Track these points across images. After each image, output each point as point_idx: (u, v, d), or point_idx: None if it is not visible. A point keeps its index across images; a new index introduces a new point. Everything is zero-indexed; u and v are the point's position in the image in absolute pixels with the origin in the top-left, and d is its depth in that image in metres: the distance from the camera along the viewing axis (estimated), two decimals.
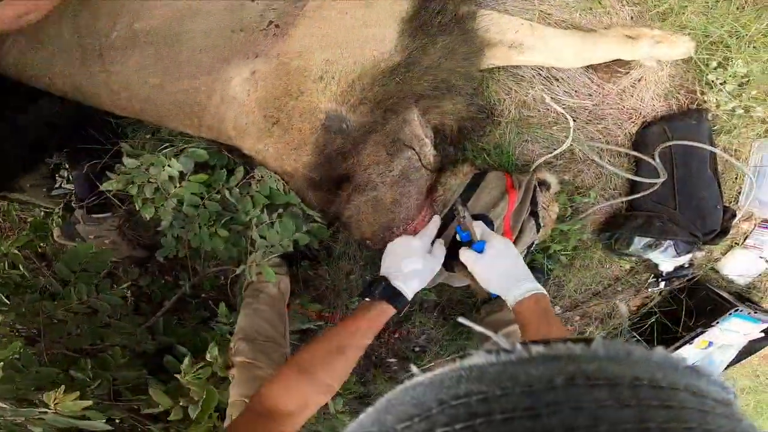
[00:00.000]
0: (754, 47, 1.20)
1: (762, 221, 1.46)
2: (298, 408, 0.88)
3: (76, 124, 1.28)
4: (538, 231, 1.31)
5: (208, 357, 1.28)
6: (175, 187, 1.32)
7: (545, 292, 1.00)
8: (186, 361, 1.20)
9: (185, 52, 1.14)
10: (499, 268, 1.01)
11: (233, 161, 1.40)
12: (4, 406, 1.02)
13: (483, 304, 1.62)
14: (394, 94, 1.17)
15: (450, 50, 1.17)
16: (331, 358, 0.92)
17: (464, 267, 1.28)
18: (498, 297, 1.56)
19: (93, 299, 1.32)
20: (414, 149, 1.25)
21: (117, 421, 1.31)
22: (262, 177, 1.35)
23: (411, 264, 1.02)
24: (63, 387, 1.05)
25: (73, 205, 1.42)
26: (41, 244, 1.51)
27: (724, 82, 1.20)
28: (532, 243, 1.34)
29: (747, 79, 1.21)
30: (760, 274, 1.56)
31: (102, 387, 1.24)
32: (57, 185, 1.46)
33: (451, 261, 1.27)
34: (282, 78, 1.16)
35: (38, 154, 1.33)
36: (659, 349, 0.24)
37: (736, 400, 0.24)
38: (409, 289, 1.01)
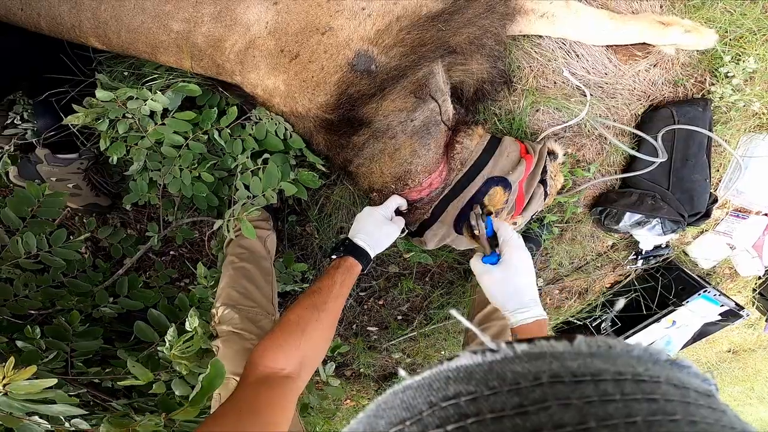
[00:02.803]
0: None
1: (734, 210, 1.57)
2: (295, 368, 0.83)
3: (47, 55, 1.06)
4: (544, 199, 1.31)
5: (187, 326, 1.11)
6: (156, 124, 1.11)
7: (546, 317, 0.91)
8: (171, 331, 1.03)
9: None
10: (508, 287, 0.90)
11: (225, 102, 1.21)
12: None
13: None
14: (431, 42, 1.08)
15: (490, 7, 1.10)
16: (318, 313, 0.90)
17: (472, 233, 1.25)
18: None
19: (44, 253, 1.09)
20: (437, 102, 1.18)
21: (71, 396, 1.11)
22: (259, 119, 1.19)
23: (372, 227, 1.08)
24: (12, 359, 0.81)
25: (35, 142, 1.18)
26: None
27: (734, 75, 1.25)
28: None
29: (754, 75, 1.28)
30: (722, 260, 1.69)
31: (57, 360, 1.03)
32: (8, 121, 1.21)
33: (462, 223, 1.23)
34: (311, 10, 1.01)
35: (7, 90, 1.10)
36: (639, 343, 0.24)
37: (717, 391, 0.24)
38: (370, 246, 1.05)
